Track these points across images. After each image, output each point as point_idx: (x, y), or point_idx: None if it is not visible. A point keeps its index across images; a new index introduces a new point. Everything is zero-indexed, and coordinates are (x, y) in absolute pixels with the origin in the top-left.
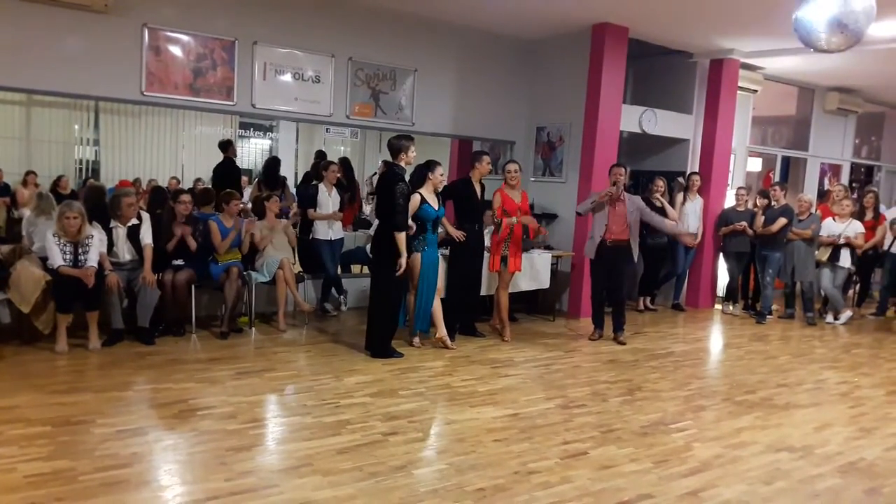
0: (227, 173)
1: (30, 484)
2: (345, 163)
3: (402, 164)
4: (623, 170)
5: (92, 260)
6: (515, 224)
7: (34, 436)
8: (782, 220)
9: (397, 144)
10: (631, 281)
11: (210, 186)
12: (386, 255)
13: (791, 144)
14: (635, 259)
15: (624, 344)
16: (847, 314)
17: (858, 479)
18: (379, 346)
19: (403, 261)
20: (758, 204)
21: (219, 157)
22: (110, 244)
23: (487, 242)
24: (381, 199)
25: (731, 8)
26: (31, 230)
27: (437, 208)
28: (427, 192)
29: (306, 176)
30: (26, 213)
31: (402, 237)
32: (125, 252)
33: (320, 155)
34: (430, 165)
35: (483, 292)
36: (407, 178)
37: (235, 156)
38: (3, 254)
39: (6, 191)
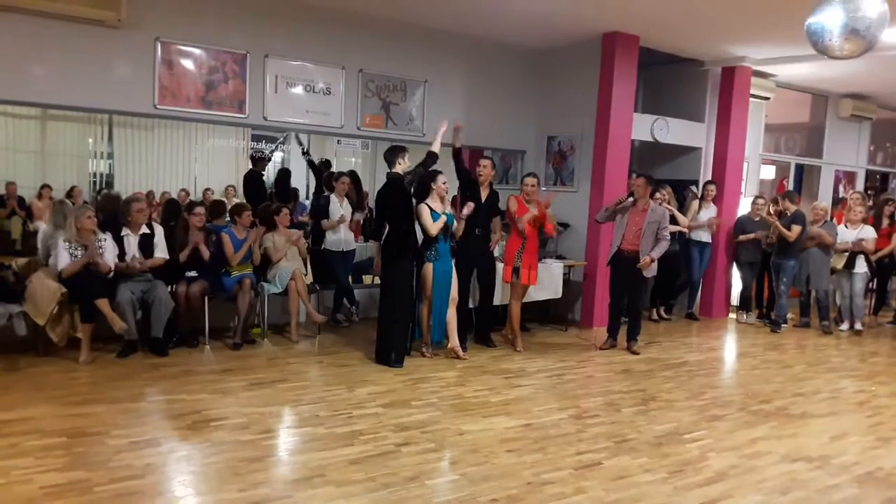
0: (252, 187)
1: (46, 495)
2: (352, 176)
3: (400, 170)
4: (642, 180)
5: (108, 262)
6: (529, 220)
7: (50, 447)
8: (797, 228)
9: (389, 158)
10: (646, 291)
11: (222, 199)
12: (392, 259)
13: (805, 152)
14: (644, 271)
15: (637, 354)
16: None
17: (876, 489)
18: (396, 352)
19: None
20: (771, 212)
21: (230, 169)
22: (122, 253)
23: (497, 253)
24: (389, 206)
25: (743, 16)
26: (49, 243)
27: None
28: (433, 201)
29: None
30: (42, 226)
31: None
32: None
33: (326, 164)
34: (433, 176)
35: (497, 302)
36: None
37: (264, 171)
38: (18, 266)
39: (21, 204)
